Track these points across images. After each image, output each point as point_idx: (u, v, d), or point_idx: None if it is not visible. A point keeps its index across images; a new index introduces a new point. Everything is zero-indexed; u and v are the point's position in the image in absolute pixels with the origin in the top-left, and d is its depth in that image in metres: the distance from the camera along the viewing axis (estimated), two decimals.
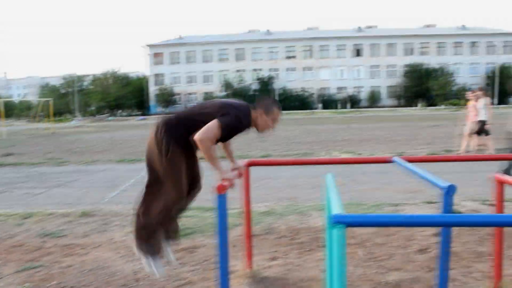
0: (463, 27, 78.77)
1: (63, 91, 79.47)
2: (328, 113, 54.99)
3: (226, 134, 3.22)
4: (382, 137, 18.42)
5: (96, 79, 78.48)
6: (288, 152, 13.64)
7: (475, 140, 11.45)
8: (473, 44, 74.00)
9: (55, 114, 41.99)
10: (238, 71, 72.87)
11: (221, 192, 2.76)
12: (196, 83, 75.50)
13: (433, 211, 5.98)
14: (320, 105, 69.90)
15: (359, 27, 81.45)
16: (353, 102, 71.69)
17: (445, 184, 2.68)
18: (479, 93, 11.47)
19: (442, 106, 59.38)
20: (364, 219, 1.78)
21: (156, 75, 76.28)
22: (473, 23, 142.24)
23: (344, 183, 8.27)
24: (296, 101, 70.81)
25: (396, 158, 3.77)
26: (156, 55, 76.87)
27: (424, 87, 68.01)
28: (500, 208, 3.47)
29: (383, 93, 73.80)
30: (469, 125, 11.39)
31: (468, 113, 11.74)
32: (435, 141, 15.46)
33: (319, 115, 48.49)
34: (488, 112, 11.07)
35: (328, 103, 70.86)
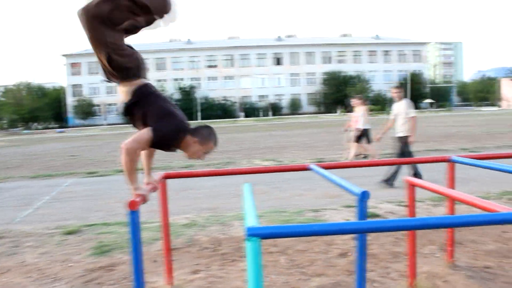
0: (377, 37, 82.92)
1: None
2: (250, 121, 55.49)
3: (152, 146, 3.04)
4: (303, 143, 18.80)
5: (7, 91, 74.21)
6: (210, 162, 13.55)
7: (356, 146, 11.83)
8: (386, 52, 78.13)
9: None
10: (159, 81, 71.70)
11: (133, 208, 2.65)
12: (116, 93, 72.90)
13: (352, 214, 6.14)
14: (242, 114, 70.49)
15: (279, 36, 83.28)
16: (275, 109, 73.02)
17: (359, 190, 2.72)
18: (357, 101, 11.90)
19: None
20: (278, 231, 1.75)
21: (74, 86, 73.57)
22: (386, 33, 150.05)
23: (266, 191, 8.33)
24: (218, 110, 71.24)
25: (312, 166, 3.81)
26: (73, 65, 74.10)
27: (342, 94, 70.39)
28: (413, 208, 3.61)
29: (304, 100, 75.78)
30: (353, 132, 11.83)
31: (350, 121, 12.22)
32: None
33: (242, 124, 48.74)
34: (365, 120, 11.55)
35: (250, 111, 71.77)
